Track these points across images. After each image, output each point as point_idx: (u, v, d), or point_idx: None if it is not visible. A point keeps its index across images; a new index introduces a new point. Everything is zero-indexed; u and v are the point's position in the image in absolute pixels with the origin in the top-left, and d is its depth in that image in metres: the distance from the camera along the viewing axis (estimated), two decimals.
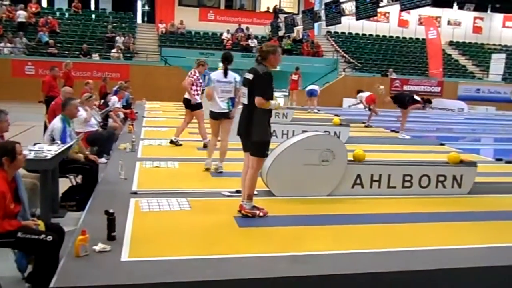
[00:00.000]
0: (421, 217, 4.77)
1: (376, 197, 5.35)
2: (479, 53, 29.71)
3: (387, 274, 3.39)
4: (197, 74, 7.97)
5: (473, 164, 5.78)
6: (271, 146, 4.68)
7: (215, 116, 6.27)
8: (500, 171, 7.44)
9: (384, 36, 29.25)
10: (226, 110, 6.20)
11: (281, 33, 23.62)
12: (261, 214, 4.48)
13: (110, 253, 3.39)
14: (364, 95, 13.46)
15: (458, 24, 30.81)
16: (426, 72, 24.48)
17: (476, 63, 28.62)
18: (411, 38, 29.53)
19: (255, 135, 4.42)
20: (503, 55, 26.71)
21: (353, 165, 5.33)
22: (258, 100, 4.32)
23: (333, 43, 26.99)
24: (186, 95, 8.00)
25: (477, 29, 31.31)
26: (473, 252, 3.87)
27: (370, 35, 29.08)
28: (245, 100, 4.54)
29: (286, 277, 3.22)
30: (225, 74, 6.25)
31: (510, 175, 7.12)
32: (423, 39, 26.99)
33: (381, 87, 13.89)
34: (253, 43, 23.77)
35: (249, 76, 4.46)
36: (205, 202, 4.89)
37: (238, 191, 5.17)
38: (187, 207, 4.63)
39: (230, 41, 24.07)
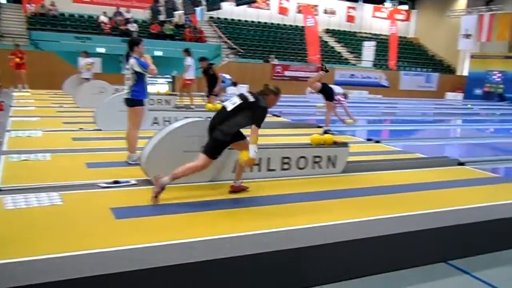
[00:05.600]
0: (299, 197, 4.94)
1: (257, 180, 5.44)
2: (353, 40, 31.74)
3: (267, 254, 3.44)
4: None
5: (345, 144, 6.13)
6: (150, 134, 4.53)
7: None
8: (370, 150, 8.02)
9: (265, 23, 29.94)
10: (126, 97, 6.18)
11: (162, 17, 23.05)
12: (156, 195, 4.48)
13: None
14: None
15: (334, 13, 32.57)
16: (305, 58, 25.53)
17: (350, 50, 30.52)
18: (291, 26, 30.60)
19: (219, 134, 4.63)
20: (373, 43, 28.82)
21: (233, 150, 5.35)
22: (255, 130, 4.55)
23: (216, 28, 27.01)
24: None
25: (350, 18, 33.38)
26: (347, 226, 4.08)
27: (252, 21, 29.60)
28: (230, 107, 4.68)
29: (165, 266, 3.13)
30: (127, 60, 6.16)
31: (379, 154, 7.70)
32: (302, 27, 28.11)
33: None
34: (133, 27, 22.89)
35: (251, 98, 4.69)
36: (79, 195, 4.59)
37: (116, 182, 4.96)
38: (58, 202, 4.31)
39: (108, 25, 22.94)
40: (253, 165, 4.87)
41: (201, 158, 4.67)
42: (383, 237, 3.94)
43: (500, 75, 27.54)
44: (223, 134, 4.64)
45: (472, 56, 29.74)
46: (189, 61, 12.61)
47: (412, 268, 4.03)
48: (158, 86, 16.53)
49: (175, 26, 24.48)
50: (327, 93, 10.15)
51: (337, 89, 10.51)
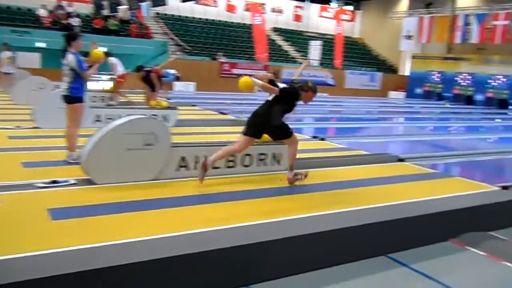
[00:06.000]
0: (244, 195, 4.93)
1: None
2: (300, 39, 32.13)
3: (210, 252, 3.41)
4: None
5: None
6: (91, 132, 4.40)
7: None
8: (315, 148, 8.14)
9: (213, 20, 29.78)
10: (64, 93, 6.00)
11: (105, 12, 22.43)
12: (303, 177, 5.40)
13: None
14: None
15: (281, 11, 32.85)
16: (253, 56, 25.61)
17: (297, 48, 30.89)
18: (238, 23, 30.59)
19: (275, 120, 5.20)
20: (320, 42, 29.28)
21: (177, 147, 5.28)
22: (275, 88, 5.17)
23: (163, 25, 26.59)
24: None
25: (297, 17, 33.78)
26: (291, 222, 4.12)
27: (200, 18, 29.36)
28: (270, 97, 5.23)
29: (107, 267, 3.03)
30: (64, 55, 5.92)
31: (323, 151, 7.83)
32: (249, 25, 28.17)
33: None
34: (75, 22, 22.09)
35: (282, 86, 5.27)
36: (14, 196, 4.37)
37: (54, 182, 4.77)
38: None
39: (48, 19, 22.04)
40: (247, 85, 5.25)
41: (289, 140, 5.40)
42: (325, 233, 4.00)
43: (439, 75, 28.72)
44: (276, 119, 5.25)
45: (414, 57, 30.84)
46: (113, 59, 12.16)
47: (353, 262, 4.13)
48: (102, 83, 16.07)
49: (120, 22, 23.87)
50: None
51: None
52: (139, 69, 12.16)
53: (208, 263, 3.41)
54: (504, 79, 25.28)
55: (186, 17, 28.75)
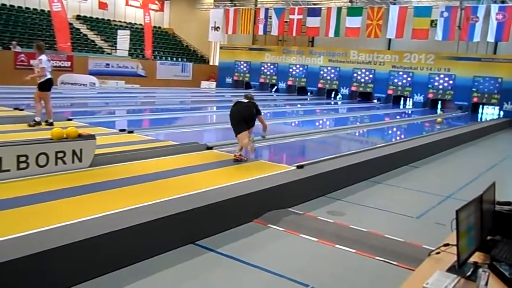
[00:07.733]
0: (41, 197, 4.50)
1: None
2: (107, 28, 30.73)
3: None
4: None
5: (91, 137, 5.82)
6: None
7: None
8: (123, 141, 7.83)
9: (3, 4, 26.59)
10: None
11: None
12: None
13: None
14: None
15: None
16: (55, 46, 23.63)
17: (104, 38, 29.49)
18: (35, 9, 27.90)
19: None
20: (128, 32, 28.43)
21: None
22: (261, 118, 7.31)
23: None
24: None
25: (103, 5, 32.15)
26: (98, 221, 3.92)
27: None
28: (245, 101, 7.08)
29: None
30: None
31: (131, 144, 7.57)
32: (48, 11, 25.86)
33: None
34: None
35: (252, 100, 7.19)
36: None
37: None
38: None
39: None
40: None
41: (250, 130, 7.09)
42: (129, 228, 3.87)
43: (246, 65, 30.40)
44: (250, 113, 6.95)
45: (221, 47, 32.03)
46: None
47: (161, 254, 4.09)
48: None
49: None
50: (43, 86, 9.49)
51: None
52: None
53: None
54: (301, 68, 27.93)
55: None
